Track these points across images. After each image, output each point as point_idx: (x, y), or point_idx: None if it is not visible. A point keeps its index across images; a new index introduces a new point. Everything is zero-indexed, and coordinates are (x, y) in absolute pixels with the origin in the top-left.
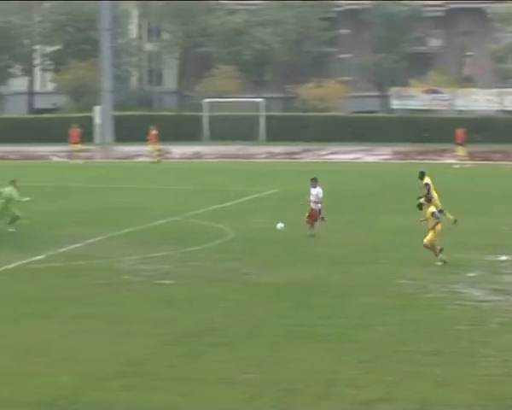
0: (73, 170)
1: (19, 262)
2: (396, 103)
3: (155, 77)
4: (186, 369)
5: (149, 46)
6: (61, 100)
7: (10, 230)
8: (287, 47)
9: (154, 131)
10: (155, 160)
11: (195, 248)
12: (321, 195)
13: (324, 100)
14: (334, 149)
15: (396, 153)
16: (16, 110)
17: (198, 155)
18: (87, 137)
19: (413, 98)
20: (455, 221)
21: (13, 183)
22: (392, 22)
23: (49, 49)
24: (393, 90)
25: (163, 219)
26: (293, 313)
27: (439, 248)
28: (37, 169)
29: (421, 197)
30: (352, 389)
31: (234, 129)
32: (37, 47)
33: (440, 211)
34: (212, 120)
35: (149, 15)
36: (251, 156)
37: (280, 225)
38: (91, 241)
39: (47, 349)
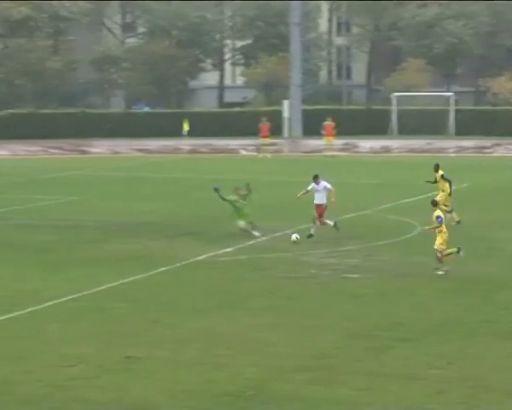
0: (261, 163)
1: (208, 254)
2: None
3: (344, 71)
4: (372, 364)
5: (339, 40)
6: (251, 94)
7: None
8: (479, 40)
9: (330, 123)
10: (332, 153)
11: (383, 243)
12: (329, 186)
13: None
14: None
15: None
16: (207, 104)
17: (386, 149)
18: (276, 130)
19: None
20: (458, 222)
21: (236, 190)
22: None
23: (240, 43)
24: None
25: (352, 213)
26: (482, 309)
27: (449, 251)
28: (226, 162)
29: (429, 181)
30: None
31: (422, 123)
32: (228, 42)
33: (449, 212)
34: (401, 113)
35: (339, 9)
36: (440, 150)
37: (295, 236)
38: (278, 234)
39: (234, 341)
